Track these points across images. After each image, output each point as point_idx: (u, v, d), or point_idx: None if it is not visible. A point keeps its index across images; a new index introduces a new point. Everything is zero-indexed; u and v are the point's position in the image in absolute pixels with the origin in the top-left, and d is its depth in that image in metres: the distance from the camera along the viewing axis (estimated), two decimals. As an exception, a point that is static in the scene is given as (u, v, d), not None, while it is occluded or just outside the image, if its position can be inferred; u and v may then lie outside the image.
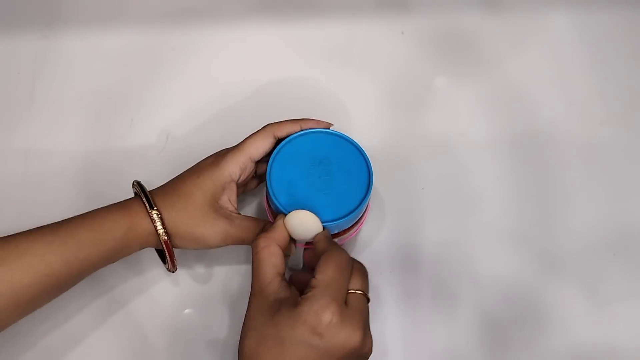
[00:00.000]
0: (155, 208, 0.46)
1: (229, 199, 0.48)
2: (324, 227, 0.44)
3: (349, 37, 0.67)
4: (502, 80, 0.65)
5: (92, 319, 0.52)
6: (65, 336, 0.52)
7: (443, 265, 0.56)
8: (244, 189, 0.52)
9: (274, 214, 0.47)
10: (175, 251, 0.48)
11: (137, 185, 0.48)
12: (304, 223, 0.44)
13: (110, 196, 0.58)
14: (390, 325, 0.54)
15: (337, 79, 0.65)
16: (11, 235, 0.44)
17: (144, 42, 0.65)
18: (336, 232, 0.46)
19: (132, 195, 0.49)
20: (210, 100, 0.63)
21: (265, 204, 0.49)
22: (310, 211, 0.43)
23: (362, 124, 0.62)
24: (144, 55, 0.65)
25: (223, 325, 0.53)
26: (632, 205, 0.60)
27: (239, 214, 0.48)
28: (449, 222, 0.58)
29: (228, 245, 0.48)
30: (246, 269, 0.55)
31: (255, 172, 0.50)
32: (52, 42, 0.65)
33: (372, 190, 0.46)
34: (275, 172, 0.46)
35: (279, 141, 0.48)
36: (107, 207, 0.47)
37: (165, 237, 0.46)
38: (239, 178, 0.48)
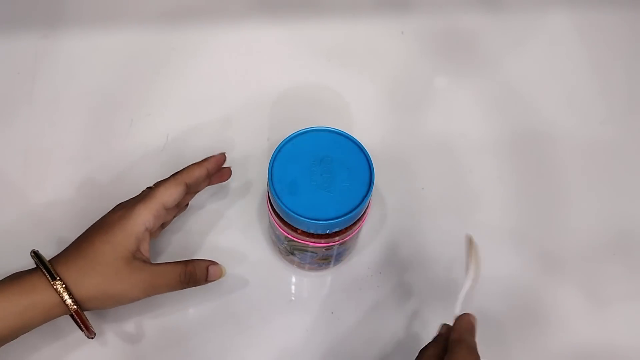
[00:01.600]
0: (58, 278, 0.43)
1: (142, 250, 0.47)
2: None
3: (349, 37, 0.67)
4: (502, 80, 0.65)
5: (92, 319, 0.52)
6: (63, 335, 0.52)
7: (443, 265, 0.56)
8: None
9: (276, 214, 0.47)
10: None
11: (35, 256, 0.45)
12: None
13: (110, 196, 0.58)
14: (389, 325, 0.54)
15: (337, 78, 0.65)
16: None
17: (144, 42, 0.65)
18: (337, 230, 0.46)
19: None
20: (210, 100, 0.63)
21: (267, 205, 0.49)
22: (313, 209, 0.44)
23: (362, 124, 0.62)
24: (144, 55, 0.65)
25: (223, 325, 0.53)
26: (632, 205, 0.60)
27: (153, 263, 0.47)
28: (449, 222, 0.58)
29: (151, 295, 0.47)
30: (246, 268, 0.55)
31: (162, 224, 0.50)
32: (52, 42, 0.65)
33: (373, 188, 0.46)
34: (277, 172, 0.45)
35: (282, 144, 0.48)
36: (6, 282, 0.43)
37: (75, 307, 0.43)
38: (152, 227, 0.47)
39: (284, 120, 0.62)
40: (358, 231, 0.50)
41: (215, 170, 0.53)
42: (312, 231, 0.46)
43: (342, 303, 0.55)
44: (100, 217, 0.52)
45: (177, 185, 0.48)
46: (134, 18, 0.67)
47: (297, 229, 0.46)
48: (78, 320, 0.45)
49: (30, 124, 0.61)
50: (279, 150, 0.46)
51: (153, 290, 0.46)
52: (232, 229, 0.57)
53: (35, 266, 0.45)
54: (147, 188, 0.50)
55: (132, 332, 0.53)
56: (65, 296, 0.43)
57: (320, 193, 0.45)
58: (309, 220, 0.44)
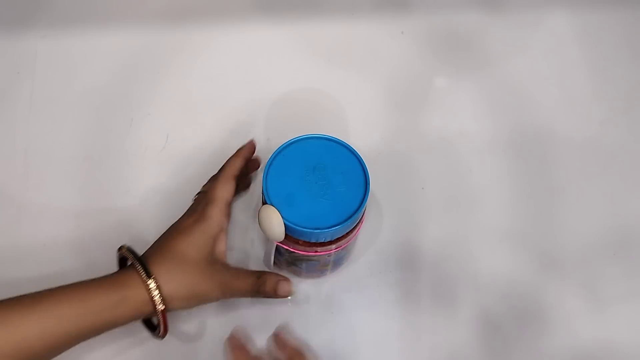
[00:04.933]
0: (152, 276, 0.44)
1: (221, 251, 0.48)
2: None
3: (348, 37, 0.67)
4: (502, 80, 0.65)
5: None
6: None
7: (443, 265, 0.56)
8: None
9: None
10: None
11: (127, 251, 0.46)
12: (269, 219, 0.44)
13: (110, 196, 0.58)
14: (390, 325, 0.54)
15: (337, 78, 0.65)
16: (2, 300, 0.42)
17: (144, 42, 0.65)
18: (339, 236, 0.46)
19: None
20: (210, 100, 0.63)
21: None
22: (313, 218, 0.44)
23: (361, 124, 0.62)
24: (144, 55, 0.65)
25: (223, 325, 0.53)
26: (632, 205, 0.60)
27: (231, 266, 0.49)
28: (448, 222, 0.58)
29: (226, 298, 0.49)
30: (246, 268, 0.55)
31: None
32: (52, 42, 0.65)
33: (370, 191, 0.46)
34: (272, 186, 0.45)
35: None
36: (94, 280, 0.44)
37: (162, 307, 0.44)
38: (226, 226, 0.49)
39: (284, 120, 0.62)
40: (355, 237, 0.50)
41: (250, 157, 0.54)
42: (314, 240, 0.46)
43: (342, 303, 0.55)
44: (99, 217, 0.53)
45: (229, 182, 0.50)
46: (134, 18, 0.67)
47: (299, 240, 0.46)
48: (162, 319, 0.45)
49: (30, 124, 0.61)
50: (270, 164, 0.46)
51: (230, 293, 0.48)
52: (231, 229, 0.57)
53: (120, 263, 0.48)
54: (199, 194, 0.52)
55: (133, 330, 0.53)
56: (156, 295, 0.44)
57: (318, 201, 0.45)
58: (311, 231, 0.44)
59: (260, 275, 0.48)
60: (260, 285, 0.48)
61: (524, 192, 0.60)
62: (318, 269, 0.52)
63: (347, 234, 0.47)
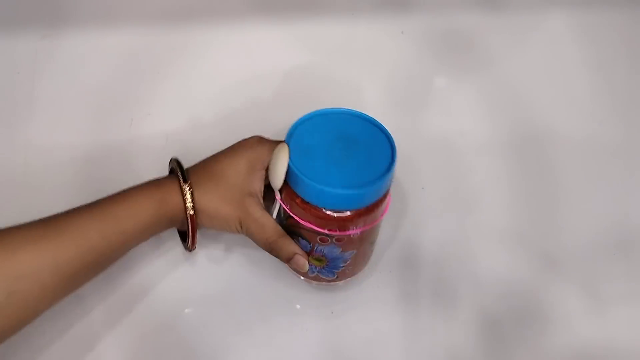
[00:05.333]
0: (188, 182, 0.46)
1: (258, 188, 0.48)
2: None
3: (348, 37, 0.67)
4: (502, 80, 0.65)
5: (89, 319, 0.52)
6: (64, 335, 0.52)
7: (443, 265, 0.56)
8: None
9: (286, 180, 0.45)
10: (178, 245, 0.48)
11: (175, 161, 0.49)
12: (277, 156, 0.44)
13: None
14: (390, 325, 0.54)
15: (337, 78, 0.65)
16: (48, 216, 0.44)
17: (144, 42, 0.65)
18: (340, 210, 0.44)
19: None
20: (210, 100, 0.63)
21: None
22: (320, 175, 0.43)
23: (362, 124, 0.62)
24: (144, 55, 0.65)
25: (223, 325, 0.53)
26: (632, 205, 0.60)
27: (264, 208, 0.48)
28: (449, 222, 0.58)
29: (241, 234, 0.49)
30: (246, 269, 0.55)
31: None
32: (52, 42, 0.65)
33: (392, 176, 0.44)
34: (297, 135, 0.45)
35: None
36: (140, 184, 0.47)
37: (192, 212, 0.46)
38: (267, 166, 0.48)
39: (284, 120, 0.62)
40: (363, 238, 0.47)
41: None
42: (310, 201, 0.44)
43: (342, 303, 0.55)
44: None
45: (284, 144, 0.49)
46: (134, 18, 0.67)
47: (298, 196, 0.44)
48: (190, 226, 0.47)
49: (30, 123, 0.61)
50: (308, 119, 0.46)
51: (246, 231, 0.48)
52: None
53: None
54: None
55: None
56: (189, 200, 0.46)
57: (333, 167, 0.43)
58: (313, 184, 0.42)
59: (282, 235, 0.48)
60: (276, 247, 0.48)
61: (523, 191, 0.60)
62: (309, 261, 0.50)
63: (344, 220, 0.44)
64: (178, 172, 0.47)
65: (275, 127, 0.62)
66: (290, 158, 0.44)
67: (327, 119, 0.46)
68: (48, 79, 0.63)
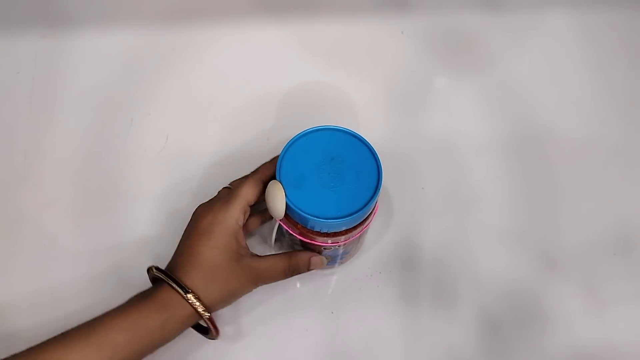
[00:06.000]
0: (190, 291, 0.45)
1: (243, 246, 0.49)
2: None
3: (349, 37, 0.67)
4: (502, 80, 0.65)
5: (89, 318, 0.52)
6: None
7: (443, 265, 0.56)
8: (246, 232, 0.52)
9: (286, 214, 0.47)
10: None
11: (158, 271, 0.47)
12: (273, 195, 0.45)
13: (110, 196, 0.58)
14: (390, 325, 0.54)
15: (337, 79, 0.65)
16: (41, 344, 0.43)
17: (144, 42, 0.65)
18: (338, 230, 0.46)
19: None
20: (210, 100, 0.63)
21: None
22: (316, 206, 0.44)
23: (361, 124, 0.62)
24: (144, 55, 0.65)
25: (223, 326, 0.53)
26: (632, 205, 0.60)
27: (257, 255, 0.49)
28: (449, 222, 0.58)
29: (259, 286, 0.50)
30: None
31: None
32: (52, 42, 0.65)
33: (377, 200, 0.46)
34: (286, 166, 0.46)
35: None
36: (137, 303, 0.46)
37: (208, 315, 0.46)
38: (243, 222, 0.49)
39: (284, 120, 0.62)
40: (361, 235, 0.50)
41: None
42: (311, 228, 0.46)
43: (342, 303, 0.55)
44: (99, 217, 0.52)
45: (256, 185, 0.49)
46: (134, 18, 0.67)
47: (298, 224, 0.46)
48: (211, 325, 0.47)
49: (30, 124, 0.61)
50: (291, 144, 0.46)
51: (262, 282, 0.50)
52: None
53: (153, 281, 0.49)
54: (225, 188, 0.51)
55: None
56: (199, 307, 0.45)
57: (326, 192, 0.45)
58: (310, 217, 0.44)
59: (290, 257, 0.49)
60: (295, 268, 0.50)
61: (523, 191, 0.60)
62: (331, 260, 0.52)
63: (346, 231, 0.47)
64: (173, 284, 0.45)
65: (275, 126, 0.62)
66: (285, 190, 0.45)
67: (311, 139, 0.47)
68: (48, 79, 0.63)
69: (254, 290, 0.54)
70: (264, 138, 0.61)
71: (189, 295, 0.45)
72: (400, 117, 0.63)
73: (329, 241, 0.47)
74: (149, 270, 0.48)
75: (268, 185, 0.46)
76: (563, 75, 0.66)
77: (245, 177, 0.51)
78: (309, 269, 0.50)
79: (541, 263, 0.57)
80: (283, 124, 0.62)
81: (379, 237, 0.57)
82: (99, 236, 0.56)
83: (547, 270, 0.57)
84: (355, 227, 0.47)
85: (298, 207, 0.44)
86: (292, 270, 0.50)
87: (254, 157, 0.60)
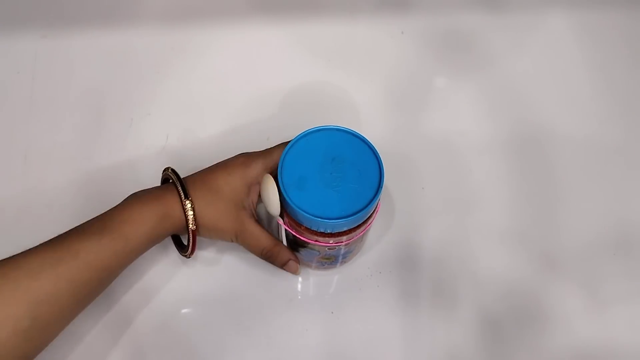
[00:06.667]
0: (189, 198, 0.48)
1: (252, 201, 0.50)
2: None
3: (349, 37, 0.67)
4: (502, 80, 0.65)
5: (89, 318, 0.52)
6: (62, 335, 0.52)
7: (443, 265, 0.56)
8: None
9: (282, 208, 0.47)
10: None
11: (172, 173, 0.50)
12: (266, 191, 0.46)
13: (110, 196, 0.58)
14: (390, 325, 0.54)
15: (337, 78, 0.65)
16: (61, 235, 0.46)
17: (144, 42, 0.65)
18: (341, 230, 0.46)
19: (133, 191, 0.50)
20: (210, 100, 0.63)
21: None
22: (318, 206, 0.44)
23: (361, 124, 0.62)
24: (144, 55, 0.65)
25: (222, 326, 0.53)
26: (632, 205, 0.60)
27: (257, 220, 0.51)
28: (449, 222, 0.58)
29: (238, 244, 0.51)
30: (245, 269, 0.55)
31: None
32: (52, 42, 0.65)
33: (381, 194, 0.46)
34: (287, 166, 0.46)
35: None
36: (142, 197, 0.49)
37: (194, 227, 0.48)
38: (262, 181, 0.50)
39: (284, 120, 0.62)
40: (364, 234, 0.50)
41: None
42: (315, 229, 0.46)
43: (342, 303, 0.55)
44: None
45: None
46: (134, 18, 0.67)
47: (302, 225, 0.46)
48: (192, 238, 0.49)
49: (30, 124, 0.61)
50: (292, 145, 0.46)
51: (242, 242, 0.51)
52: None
53: (163, 183, 0.52)
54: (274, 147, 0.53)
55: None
56: (190, 215, 0.48)
57: (328, 191, 0.45)
58: (313, 218, 0.44)
59: (276, 244, 0.51)
60: (271, 255, 0.51)
61: (523, 191, 0.60)
62: (320, 259, 0.52)
63: (349, 231, 0.47)
64: (178, 186, 0.49)
65: (275, 126, 0.62)
66: (287, 191, 0.45)
67: (313, 139, 0.47)
68: (48, 79, 0.63)
69: (255, 291, 0.55)
70: (264, 138, 0.61)
71: (187, 202, 0.48)
72: (401, 117, 0.63)
73: (331, 241, 0.47)
74: (166, 170, 0.51)
75: (262, 181, 0.47)
76: (563, 75, 0.66)
77: (285, 143, 0.51)
78: (283, 266, 0.52)
79: (541, 263, 0.57)
80: (283, 124, 0.62)
81: (379, 237, 0.57)
82: (99, 236, 0.56)
83: (547, 270, 0.57)
84: (357, 227, 0.47)
85: (300, 208, 0.44)
86: (268, 257, 0.51)
87: (254, 157, 0.60)
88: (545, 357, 0.53)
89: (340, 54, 0.66)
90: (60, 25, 0.66)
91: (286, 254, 0.51)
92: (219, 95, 0.63)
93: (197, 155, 0.60)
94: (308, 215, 0.44)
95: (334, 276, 0.56)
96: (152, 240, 0.48)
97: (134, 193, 0.49)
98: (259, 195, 0.50)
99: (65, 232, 0.46)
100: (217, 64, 0.65)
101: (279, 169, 0.46)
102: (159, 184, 0.54)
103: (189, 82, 0.64)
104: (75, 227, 0.47)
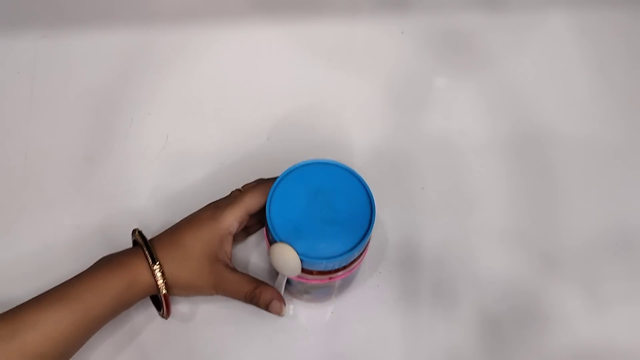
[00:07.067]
0: (157, 262, 0.47)
1: (225, 251, 0.49)
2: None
3: (348, 37, 0.67)
4: (502, 80, 0.65)
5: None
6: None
7: (443, 265, 0.56)
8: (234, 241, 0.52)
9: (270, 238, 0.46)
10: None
11: (139, 235, 0.49)
12: (284, 257, 0.44)
13: (110, 196, 0.58)
14: (390, 325, 0.54)
15: (337, 78, 0.65)
16: (18, 306, 0.45)
17: (144, 42, 0.65)
18: (345, 264, 0.45)
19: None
20: (210, 100, 0.63)
21: (266, 241, 0.48)
22: (321, 247, 0.43)
23: (362, 124, 0.62)
24: (144, 55, 0.65)
25: (223, 325, 0.53)
26: (632, 205, 0.60)
27: (233, 267, 0.49)
28: (449, 222, 0.58)
29: (220, 295, 0.50)
30: (246, 268, 0.55)
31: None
32: (52, 42, 0.65)
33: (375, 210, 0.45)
34: (276, 220, 0.44)
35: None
36: (107, 264, 0.47)
37: (165, 291, 0.47)
38: (236, 231, 0.50)
39: (283, 119, 0.62)
40: (357, 268, 0.49)
41: None
42: (329, 269, 0.45)
43: (342, 303, 0.54)
44: (99, 217, 0.52)
45: (263, 195, 0.49)
46: (134, 18, 0.67)
47: (313, 270, 0.45)
48: (164, 303, 0.48)
49: (30, 124, 0.61)
50: (274, 190, 0.45)
51: (223, 293, 0.50)
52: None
53: (132, 245, 0.50)
54: (237, 190, 0.51)
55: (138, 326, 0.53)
56: (160, 280, 0.47)
57: (326, 228, 0.44)
58: (325, 261, 0.43)
59: (257, 286, 0.49)
60: (254, 297, 0.49)
61: (523, 191, 0.60)
62: (328, 293, 0.52)
63: (343, 267, 0.46)
64: (145, 251, 0.47)
65: (275, 126, 0.62)
66: (279, 235, 0.43)
67: (299, 177, 0.45)
68: (48, 79, 0.63)
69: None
70: (263, 138, 0.61)
71: (155, 267, 0.47)
72: (400, 117, 0.63)
73: (327, 278, 0.46)
74: (134, 232, 0.50)
75: (272, 249, 0.44)
76: (563, 75, 0.66)
77: (256, 185, 0.51)
78: (267, 310, 0.49)
79: (541, 263, 0.57)
80: (283, 124, 0.62)
81: (379, 238, 0.57)
82: (99, 236, 0.56)
83: (547, 270, 0.56)
84: (352, 262, 0.46)
85: (310, 256, 0.43)
86: (251, 300, 0.49)
87: (253, 157, 0.60)
88: (545, 357, 0.53)
89: (340, 54, 0.66)
90: (60, 25, 0.66)
91: (268, 294, 0.49)
92: (219, 95, 0.63)
93: (197, 155, 0.60)
94: (319, 261, 0.43)
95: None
96: (118, 307, 0.47)
97: (103, 257, 0.48)
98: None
99: (24, 303, 0.45)
100: (218, 64, 0.65)
101: (268, 224, 0.44)
102: (159, 184, 0.54)
103: (189, 82, 0.64)
104: (35, 297, 0.45)
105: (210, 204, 0.51)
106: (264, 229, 0.48)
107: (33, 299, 0.45)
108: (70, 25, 0.66)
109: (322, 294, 0.52)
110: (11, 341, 0.42)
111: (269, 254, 0.45)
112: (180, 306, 0.53)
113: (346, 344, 0.53)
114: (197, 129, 0.61)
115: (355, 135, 0.61)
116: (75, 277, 0.47)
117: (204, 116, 0.62)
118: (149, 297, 0.51)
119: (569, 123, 0.63)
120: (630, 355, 0.54)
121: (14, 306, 0.45)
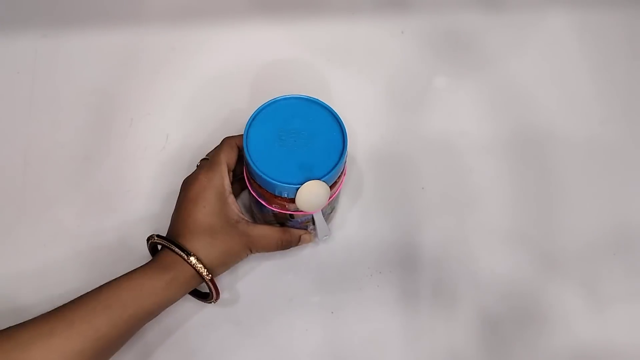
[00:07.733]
0: (192, 254, 0.47)
1: (236, 209, 0.50)
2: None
3: (348, 37, 0.67)
4: (502, 80, 0.65)
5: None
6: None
7: (443, 265, 0.56)
8: None
9: (255, 183, 0.48)
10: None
11: (160, 238, 0.49)
12: (315, 193, 0.45)
13: (110, 196, 0.58)
14: (390, 325, 0.54)
15: (337, 78, 0.65)
16: (55, 308, 0.45)
17: (144, 42, 0.65)
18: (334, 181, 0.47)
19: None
20: (210, 100, 0.63)
21: (247, 182, 0.49)
22: (285, 174, 0.45)
23: (362, 124, 0.62)
24: (144, 55, 0.65)
25: (223, 325, 0.53)
26: (632, 205, 0.60)
27: (254, 222, 0.50)
28: (448, 222, 0.58)
29: (255, 253, 0.52)
30: (245, 269, 0.55)
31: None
32: (52, 42, 0.65)
33: (347, 153, 0.47)
34: (252, 144, 0.46)
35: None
36: (141, 268, 0.48)
37: (209, 276, 0.48)
38: (229, 189, 0.50)
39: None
40: (331, 201, 0.50)
41: None
42: (283, 195, 0.46)
43: (342, 303, 0.55)
44: (99, 217, 0.52)
45: (233, 149, 0.51)
46: (134, 18, 0.67)
47: (278, 196, 0.46)
48: (212, 287, 0.49)
49: (30, 124, 0.61)
50: (250, 125, 0.47)
51: (255, 249, 0.51)
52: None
53: (152, 251, 0.51)
54: (203, 160, 0.52)
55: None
56: (201, 268, 0.47)
57: (296, 156, 0.46)
58: (279, 184, 0.45)
59: (284, 232, 0.51)
60: (288, 239, 0.51)
61: (524, 192, 0.60)
62: (305, 224, 0.53)
63: (342, 174, 0.47)
64: (175, 248, 0.47)
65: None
66: (257, 166, 0.45)
67: (273, 110, 0.48)
68: (48, 79, 0.63)
69: (255, 291, 0.54)
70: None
71: (192, 258, 0.47)
72: (400, 117, 0.63)
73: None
74: (149, 238, 0.49)
75: (304, 188, 0.45)
76: (563, 75, 0.66)
77: (220, 145, 0.52)
78: (298, 244, 0.53)
79: (541, 263, 0.57)
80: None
81: (379, 237, 0.57)
82: (99, 236, 0.56)
83: (547, 270, 0.57)
84: (337, 179, 0.48)
85: (268, 176, 0.45)
86: (285, 243, 0.51)
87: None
88: (545, 357, 0.54)
89: (339, 53, 0.66)
90: (60, 25, 0.66)
91: (295, 232, 0.52)
92: (219, 95, 0.63)
93: (197, 155, 0.60)
94: (275, 183, 0.44)
95: (334, 276, 0.56)
96: (157, 307, 0.47)
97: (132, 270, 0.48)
98: (251, 195, 0.50)
99: (64, 304, 0.45)
100: (217, 63, 0.65)
101: (245, 149, 0.46)
102: (159, 184, 0.54)
103: (189, 82, 0.64)
104: (74, 299, 0.46)
105: (189, 180, 0.51)
106: (244, 172, 0.50)
107: (68, 302, 0.45)
108: (70, 25, 0.66)
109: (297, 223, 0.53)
110: (50, 339, 0.42)
111: (251, 197, 0.47)
112: (181, 306, 0.53)
113: (346, 344, 0.53)
114: (197, 129, 0.61)
115: (355, 135, 0.61)
116: (110, 280, 0.47)
117: (204, 116, 0.62)
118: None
119: (569, 123, 0.63)
120: (630, 355, 0.54)
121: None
